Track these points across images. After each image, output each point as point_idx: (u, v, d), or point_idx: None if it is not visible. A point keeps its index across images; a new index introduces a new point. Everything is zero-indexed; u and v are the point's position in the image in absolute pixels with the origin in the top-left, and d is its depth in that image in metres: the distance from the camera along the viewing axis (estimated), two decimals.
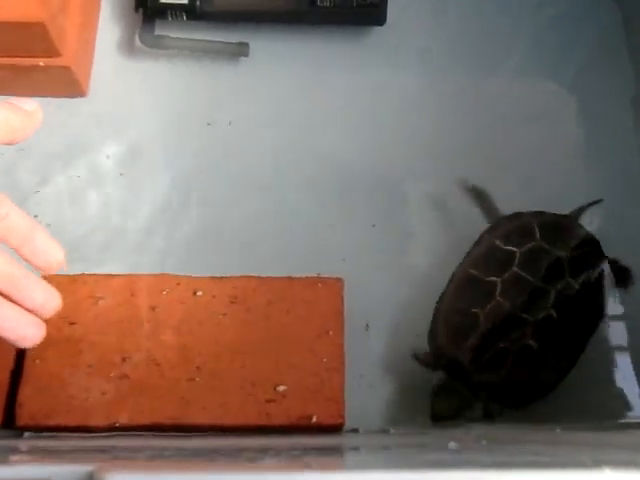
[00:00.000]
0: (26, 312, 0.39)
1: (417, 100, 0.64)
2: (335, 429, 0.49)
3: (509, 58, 0.67)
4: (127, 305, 0.51)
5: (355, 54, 0.65)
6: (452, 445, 0.35)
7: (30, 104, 0.34)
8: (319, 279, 0.53)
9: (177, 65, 0.64)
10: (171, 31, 0.62)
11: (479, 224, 0.58)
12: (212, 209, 0.59)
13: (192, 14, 0.60)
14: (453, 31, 0.67)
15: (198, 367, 0.50)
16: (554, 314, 0.50)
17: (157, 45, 0.61)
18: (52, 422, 0.47)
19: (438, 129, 0.63)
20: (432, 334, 0.53)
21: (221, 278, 0.53)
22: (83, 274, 0.52)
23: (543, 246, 0.53)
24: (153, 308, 0.52)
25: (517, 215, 0.56)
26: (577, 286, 0.51)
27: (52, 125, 0.61)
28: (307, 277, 0.53)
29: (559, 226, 0.55)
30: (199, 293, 0.52)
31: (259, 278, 0.52)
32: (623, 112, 0.64)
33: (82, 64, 0.60)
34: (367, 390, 0.53)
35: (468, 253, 0.55)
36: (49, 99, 0.61)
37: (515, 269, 0.51)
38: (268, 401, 0.49)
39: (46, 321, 0.50)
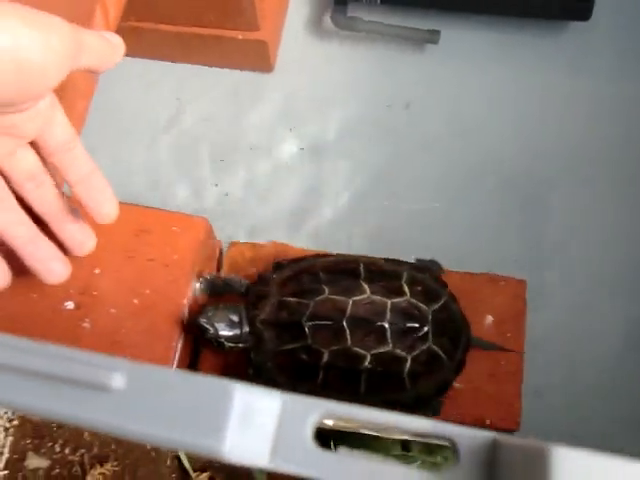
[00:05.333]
0: (58, 249, 0.39)
1: (605, 105, 0.61)
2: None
3: None
4: None
5: (547, 51, 0.62)
6: None
7: (116, 38, 0.35)
8: (502, 278, 0.51)
9: (362, 48, 0.64)
10: (361, 14, 0.62)
11: None
12: (384, 191, 0.59)
13: None
14: None
15: None
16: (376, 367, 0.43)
17: (349, 27, 0.61)
18: None
19: (621, 137, 0.60)
20: (279, 265, 0.47)
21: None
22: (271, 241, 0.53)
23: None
24: None
25: None
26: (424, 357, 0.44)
27: (238, 96, 0.63)
28: (488, 274, 0.51)
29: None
30: None
31: None
32: None
33: (274, 41, 0.61)
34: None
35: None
36: (237, 71, 0.63)
37: (403, 299, 0.44)
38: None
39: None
